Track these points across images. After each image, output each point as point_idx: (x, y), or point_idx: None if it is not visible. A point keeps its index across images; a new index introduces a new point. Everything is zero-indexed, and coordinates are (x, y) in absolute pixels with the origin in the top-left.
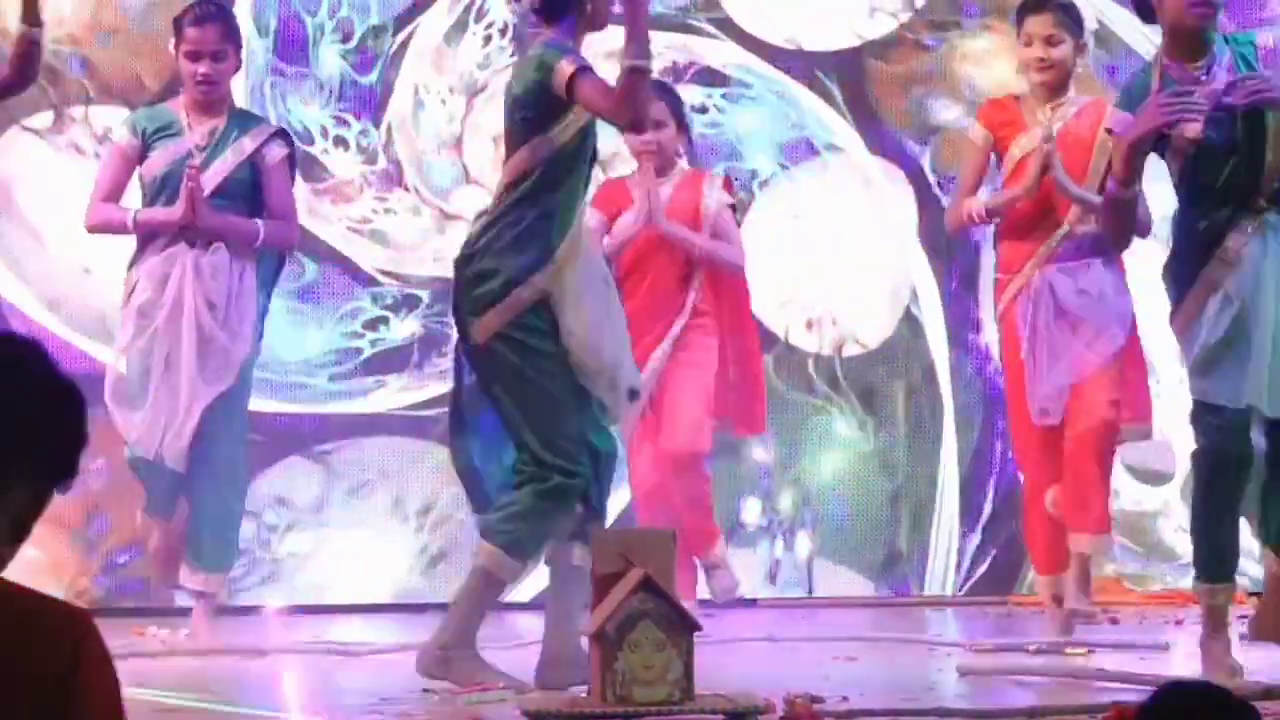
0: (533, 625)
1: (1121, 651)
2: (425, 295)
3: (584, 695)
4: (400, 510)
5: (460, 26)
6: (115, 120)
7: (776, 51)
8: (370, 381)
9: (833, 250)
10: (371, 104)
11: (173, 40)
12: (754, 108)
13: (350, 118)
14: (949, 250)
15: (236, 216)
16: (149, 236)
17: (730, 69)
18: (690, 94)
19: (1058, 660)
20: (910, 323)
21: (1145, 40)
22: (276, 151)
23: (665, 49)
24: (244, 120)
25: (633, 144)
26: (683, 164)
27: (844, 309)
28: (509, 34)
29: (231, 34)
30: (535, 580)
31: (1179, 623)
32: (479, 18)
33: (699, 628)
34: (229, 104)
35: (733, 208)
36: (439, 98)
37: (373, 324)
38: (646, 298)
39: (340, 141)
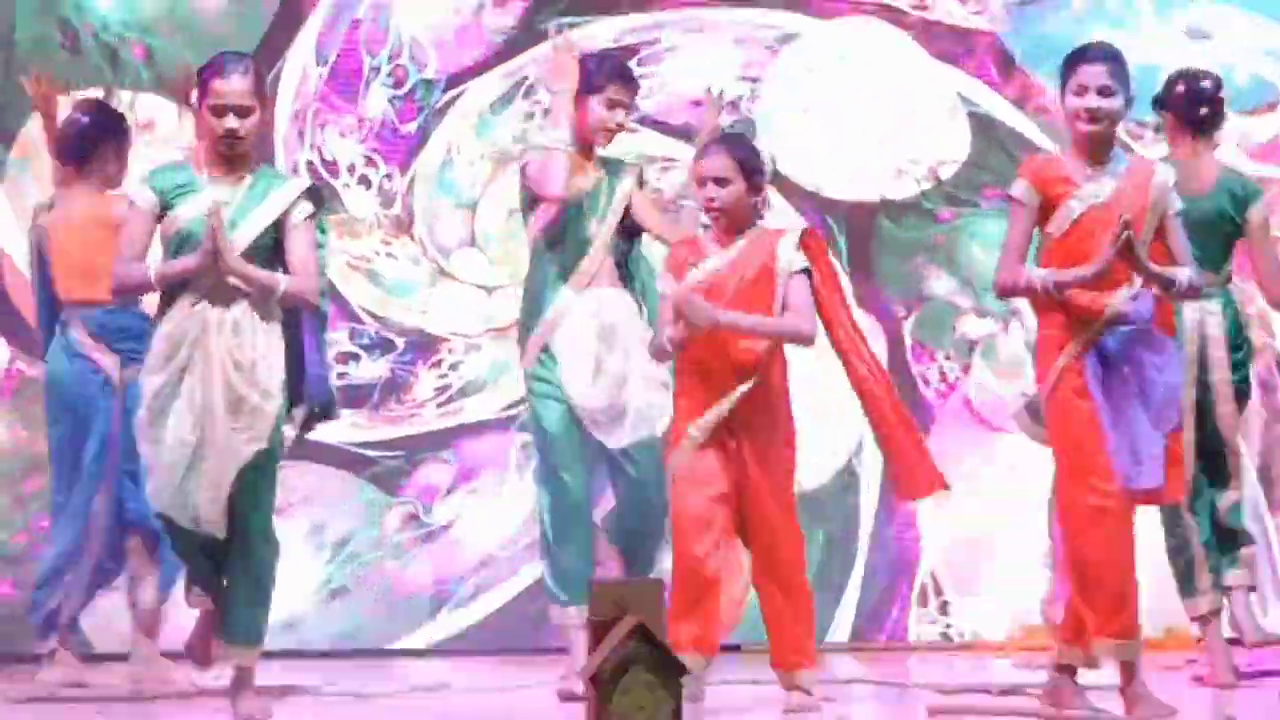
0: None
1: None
2: (400, 342)
3: None
4: (316, 538)
5: (507, 99)
6: (160, 111)
7: (795, 189)
8: None
9: (793, 391)
10: (404, 151)
11: (195, 92)
12: None
13: (380, 160)
14: None
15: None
16: (173, 293)
17: None
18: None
19: (1021, 700)
20: (848, 475)
21: None
22: (303, 209)
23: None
24: (270, 178)
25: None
26: (762, 223)
27: None
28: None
29: (259, 87)
30: (432, 630)
31: None
32: (527, 94)
33: (687, 672)
34: (252, 160)
35: (806, 272)
36: (468, 160)
37: (344, 358)
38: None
39: (364, 180)
